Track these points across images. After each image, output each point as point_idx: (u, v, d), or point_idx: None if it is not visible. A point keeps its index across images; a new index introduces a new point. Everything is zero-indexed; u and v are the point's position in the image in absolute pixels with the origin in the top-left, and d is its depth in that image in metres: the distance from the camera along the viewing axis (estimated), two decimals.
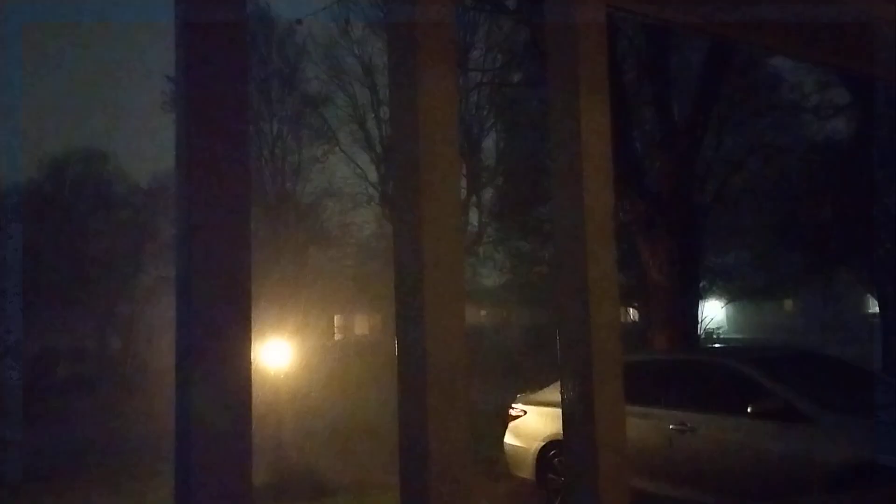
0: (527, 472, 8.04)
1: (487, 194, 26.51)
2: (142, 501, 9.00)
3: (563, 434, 1.58)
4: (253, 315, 1.12)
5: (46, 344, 29.35)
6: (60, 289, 33.99)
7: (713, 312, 23.73)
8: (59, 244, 34.86)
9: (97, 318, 36.00)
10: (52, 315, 33.07)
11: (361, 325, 38.13)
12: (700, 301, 15.61)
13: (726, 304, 27.88)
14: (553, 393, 7.35)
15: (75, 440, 13.92)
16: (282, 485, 8.52)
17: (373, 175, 27.93)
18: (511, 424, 8.35)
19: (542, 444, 7.79)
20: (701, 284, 17.25)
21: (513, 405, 8.47)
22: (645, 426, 6.85)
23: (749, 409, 6.27)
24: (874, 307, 21.64)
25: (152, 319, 35.00)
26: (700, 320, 14.15)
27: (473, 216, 25.78)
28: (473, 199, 25.82)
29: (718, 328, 26.96)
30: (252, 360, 1.11)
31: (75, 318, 35.21)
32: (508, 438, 8.35)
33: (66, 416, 18.17)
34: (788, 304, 40.02)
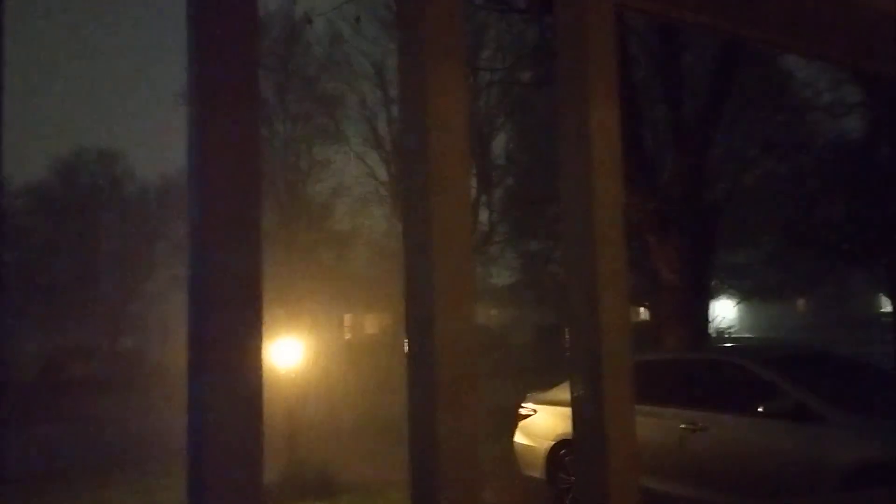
0: (537, 471, 8.03)
1: (498, 193, 26.47)
2: (154, 498, 9.04)
3: (573, 433, 1.58)
4: (264, 314, 1.13)
5: (59, 343, 29.55)
6: (73, 288, 34.21)
7: (725, 311, 23.63)
8: (72, 244, 35.07)
9: (110, 318, 36.24)
10: (65, 314, 33.31)
11: (371, 325, 38.17)
12: (711, 300, 15.54)
13: (738, 303, 27.73)
14: (563, 392, 7.34)
15: (87, 438, 14.00)
16: (292, 482, 8.54)
17: (383, 174, 27.95)
18: (521, 423, 8.34)
19: (553, 443, 7.77)
20: (712, 283, 17.17)
21: (523, 404, 8.47)
22: (656, 425, 6.83)
23: (761, 409, 6.25)
24: (888, 306, 21.49)
25: (164, 318, 35.18)
26: (711, 319, 14.10)
27: (483, 215, 25.74)
28: (483, 197, 25.79)
29: (730, 327, 26.85)
30: (263, 359, 1.12)
31: (88, 318, 35.45)
32: (519, 437, 8.34)
33: (78, 414, 18.27)
34: (801, 303, 39.83)
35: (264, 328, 1.12)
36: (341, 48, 26.62)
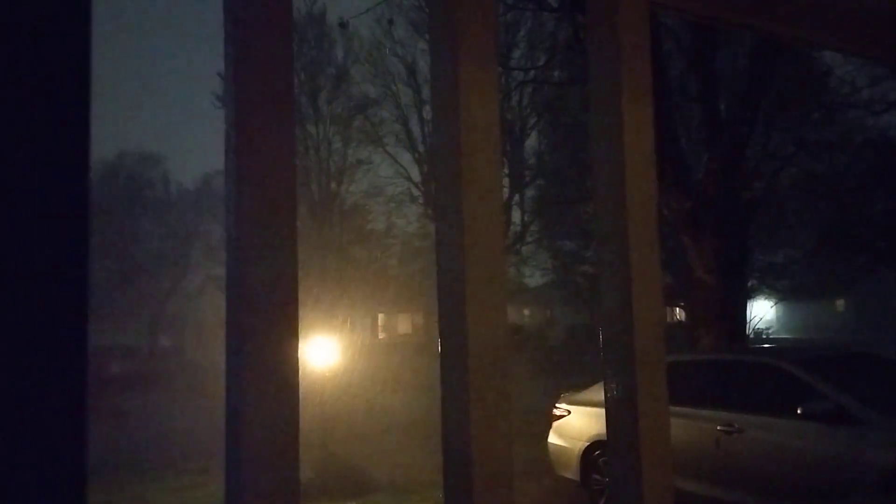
0: (571, 472, 8.00)
1: (530, 192, 26.41)
2: (193, 495, 9.16)
3: (607, 434, 1.58)
4: (299, 313, 1.14)
5: (99, 342, 30.03)
6: (112, 289, 34.79)
7: (762, 312, 23.29)
8: (111, 245, 35.67)
9: (148, 317, 36.81)
10: (105, 313, 33.88)
11: (405, 324, 38.31)
12: (748, 300, 15.35)
13: (776, 303, 27.32)
14: (597, 392, 7.30)
15: (125, 435, 14.22)
16: (327, 481, 8.61)
17: (416, 174, 28.05)
18: (555, 424, 8.31)
19: (587, 444, 7.74)
20: (749, 283, 16.95)
21: (556, 405, 8.44)
22: (692, 427, 6.77)
23: (798, 411, 6.16)
24: None
25: (201, 317, 35.65)
26: (749, 320, 13.92)
27: (516, 214, 25.69)
28: (516, 197, 25.75)
29: (768, 328, 26.48)
30: (299, 358, 1.13)
31: (127, 317, 36.03)
32: (553, 438, 8.31)
33: (119, 412, 18.56)
34: (840, 303, 39.15)
35: (300, 328, 1.13)
36: (374, 50, 26.74)
